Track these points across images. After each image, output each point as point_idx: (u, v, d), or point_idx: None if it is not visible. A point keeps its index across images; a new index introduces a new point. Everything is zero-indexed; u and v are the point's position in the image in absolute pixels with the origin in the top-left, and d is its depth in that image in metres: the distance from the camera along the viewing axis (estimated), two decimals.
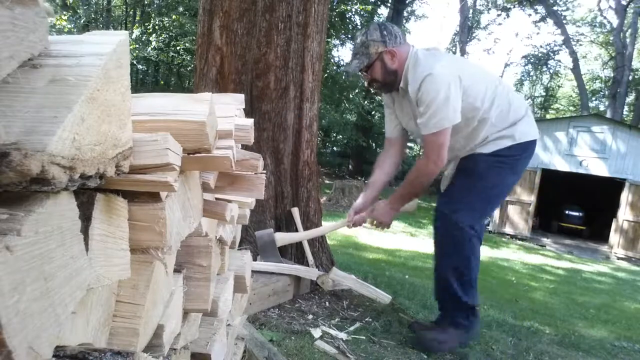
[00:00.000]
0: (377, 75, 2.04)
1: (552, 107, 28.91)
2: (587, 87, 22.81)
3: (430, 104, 1.85)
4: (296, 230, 2.75)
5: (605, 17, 21.21)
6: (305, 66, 2.74)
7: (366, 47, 2.02)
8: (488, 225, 11.99)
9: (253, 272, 2.37)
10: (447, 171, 2.22)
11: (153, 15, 16.03)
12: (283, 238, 2.50)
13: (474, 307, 2.10)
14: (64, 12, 14.64)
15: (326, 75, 14.34)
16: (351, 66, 2.08)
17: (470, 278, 2.06)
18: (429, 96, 1.84)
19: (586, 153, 11.39)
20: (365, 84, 2.15)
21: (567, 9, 21.23)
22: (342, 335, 2.03)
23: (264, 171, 1.00)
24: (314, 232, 2.54)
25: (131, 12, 19.46)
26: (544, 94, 28.48)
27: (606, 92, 23.12)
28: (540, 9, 20.66)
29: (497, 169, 2.03)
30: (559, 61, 24.30)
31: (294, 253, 2.75)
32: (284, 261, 2.53)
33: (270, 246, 2.46)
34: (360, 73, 2.08)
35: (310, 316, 2.21)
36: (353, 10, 15.30)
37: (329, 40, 14.33)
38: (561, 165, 11.67)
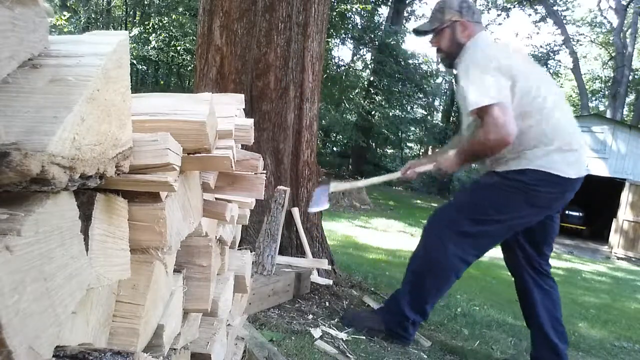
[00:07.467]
0: (444, 43, 1.98)
1: None
2: (587, 87, 22.81)
3: (466, 77, 1.78)
4: (296, 230, 2.75)
5: (605, 17, 21.23)
6: (305, 66, 2.74)
7: (441, 12, 1.97)
8: None
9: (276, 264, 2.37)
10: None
11: (153, 15, 16.04)
12: (337, 185, 2.39)
13: (414, 322, 2.04)
14: (64, 13, 14.64)
15: (326, 75, 14.34)
16: (422, 25, 2.05)
17: (425, 299, 2.01)
18: (470, 69, 1.78)
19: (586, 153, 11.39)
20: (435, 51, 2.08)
21: (567, 9, 21.22)
22: (342, 335, 2.03)
23: (264, 171, 1.00)
24: (369, 182, 2.38)
25: (131, 12, 19.45)
26: None
27: (606, 92, 23.13)
28: (540, 9, 20.65)
29: (504, 192, 1.82)
30: (559, 61, 24.24)
31: (294, 254, 2.75)
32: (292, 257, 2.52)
33: (321, 193, 2.29)
34: (429, 36, 2.03)
35: (310, 316, 2.21)
36: (353, 10, 15.30)
37: (329, 40, 14.33)
38: None
